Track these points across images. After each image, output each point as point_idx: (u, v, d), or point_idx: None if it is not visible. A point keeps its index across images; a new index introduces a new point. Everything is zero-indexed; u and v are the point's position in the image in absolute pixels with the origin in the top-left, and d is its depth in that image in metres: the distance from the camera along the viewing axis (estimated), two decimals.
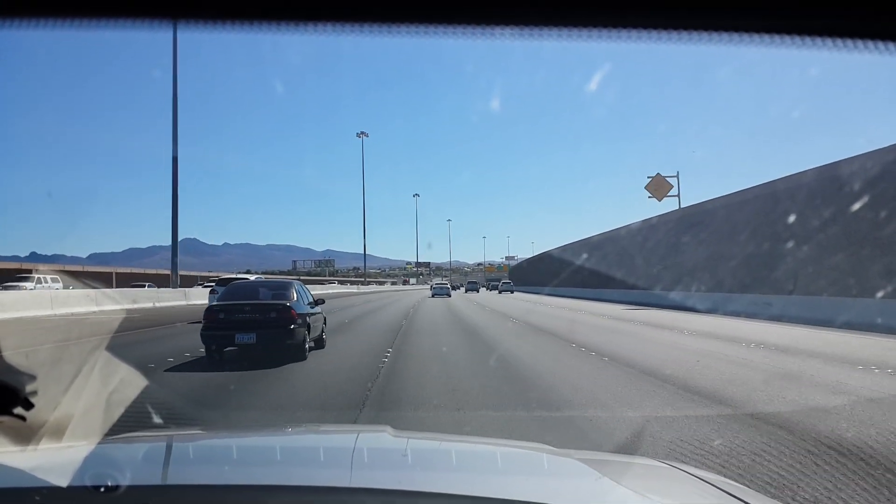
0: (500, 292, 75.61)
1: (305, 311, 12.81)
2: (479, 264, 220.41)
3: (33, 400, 1.85)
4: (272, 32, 1.13)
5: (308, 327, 12.68)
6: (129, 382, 10.37)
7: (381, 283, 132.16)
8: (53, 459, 2.18)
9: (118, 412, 5.91)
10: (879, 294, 18.81)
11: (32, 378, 1.87)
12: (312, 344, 13.32)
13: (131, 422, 6.01)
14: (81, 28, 1.12)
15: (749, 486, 2.53)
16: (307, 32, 1.11)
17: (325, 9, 1.10)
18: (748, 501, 1.70)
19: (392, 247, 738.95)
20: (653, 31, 1.12)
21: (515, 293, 71.20)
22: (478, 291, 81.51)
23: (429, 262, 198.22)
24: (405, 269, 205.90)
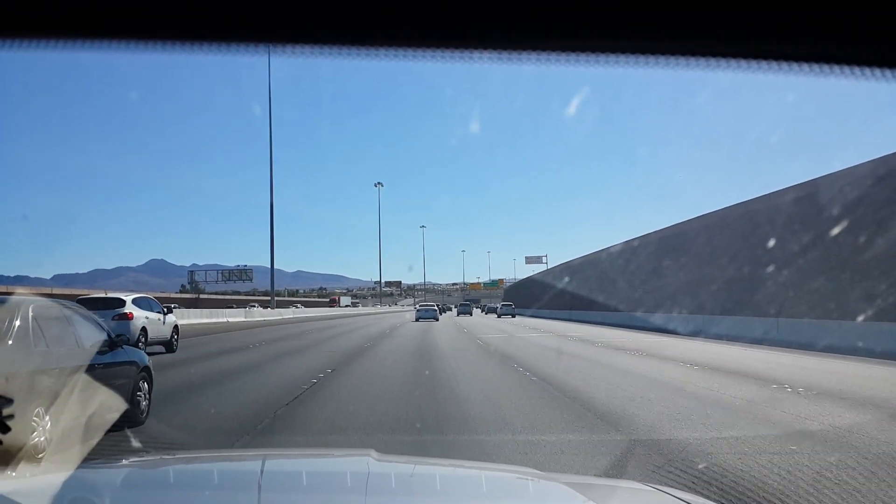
0: (498, 316, 62.24)
1: (33, 367, 5.95)
2: (455, 284, 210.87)
3: (10, 424, 1.81)
4: (253, 55, 1.12)
5: (47, 398, 5.95)
6: (109, 406, 9.70)
7: (290, 306, 79.10)
8: (31, 484, 2.14)
9: (97, 437, 5.79)
10: (860, 318, 18.95)
11: (9, 402, 1.83)
12: (118, 417, 7.04)
13: (110, 446, 5.89)
14: (70, 50, 1.11)
15: None
16: (283, 55, 1.11)
17: (301, 32, 1.10)
18: None
19: (363, 268, 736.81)
20: (631, 55, 1.13)
21: (517, 317, 58.07)
22: (470, 314, 69.65)
23: (399, 281, 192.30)
24: (373, 288, 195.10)
